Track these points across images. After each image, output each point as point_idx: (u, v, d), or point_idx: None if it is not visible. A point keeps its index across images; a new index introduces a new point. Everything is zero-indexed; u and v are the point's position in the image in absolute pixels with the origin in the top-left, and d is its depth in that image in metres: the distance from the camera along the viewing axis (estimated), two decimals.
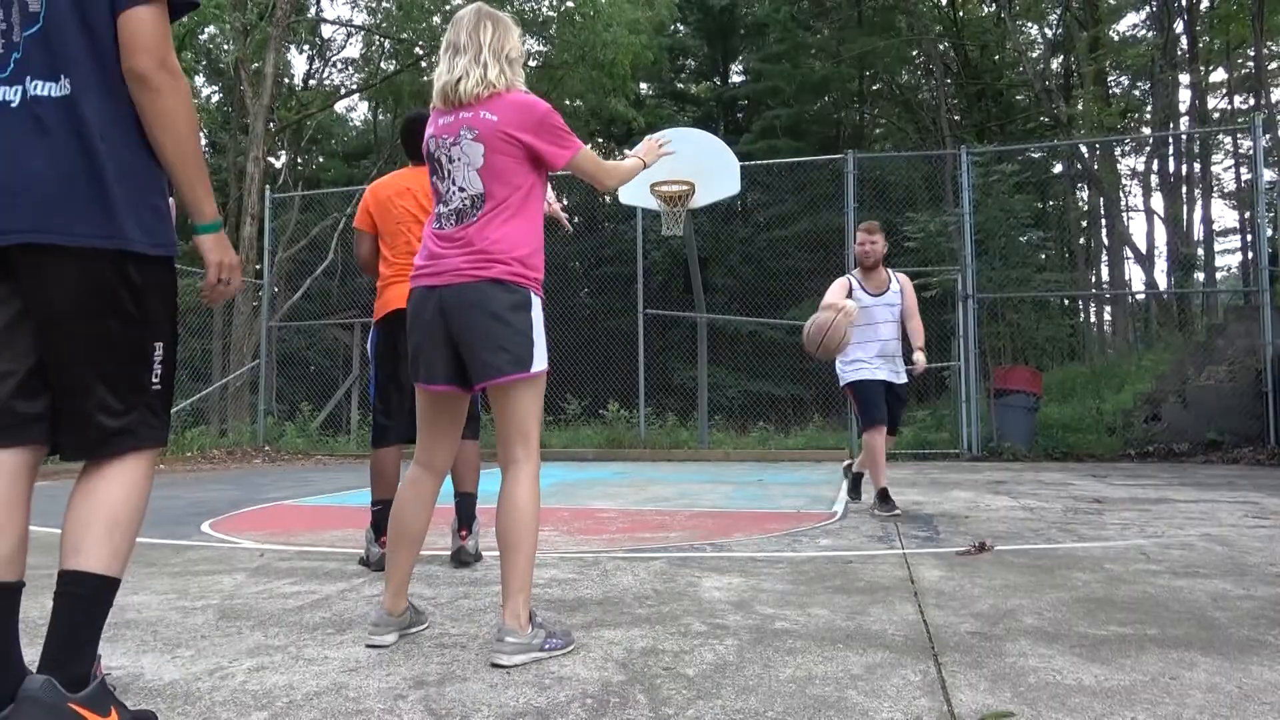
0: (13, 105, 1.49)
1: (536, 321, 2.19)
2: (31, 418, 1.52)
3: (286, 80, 21.90)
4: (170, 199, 1.66)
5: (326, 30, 22.68)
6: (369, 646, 2.14)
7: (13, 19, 1.50)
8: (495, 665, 1.99)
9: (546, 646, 2.06)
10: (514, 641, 2.01)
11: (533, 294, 2.19)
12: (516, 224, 2.18)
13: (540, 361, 2.18)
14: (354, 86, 23.47)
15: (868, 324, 4.86)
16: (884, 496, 4.65)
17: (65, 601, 1.48)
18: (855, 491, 5.26)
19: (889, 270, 5.04)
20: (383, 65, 21.67)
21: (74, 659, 1.45)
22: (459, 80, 2.19)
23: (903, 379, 4.98)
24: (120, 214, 1.51)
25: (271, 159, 19.11)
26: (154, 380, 1.59)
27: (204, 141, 26.07)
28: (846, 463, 5.75)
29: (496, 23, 2.27)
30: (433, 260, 2.17)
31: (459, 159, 2.18)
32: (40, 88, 1.49)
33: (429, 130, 2.27)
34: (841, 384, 4.99)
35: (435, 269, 2.16)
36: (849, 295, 4.84)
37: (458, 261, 2.13)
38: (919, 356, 4.90)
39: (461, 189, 2.18)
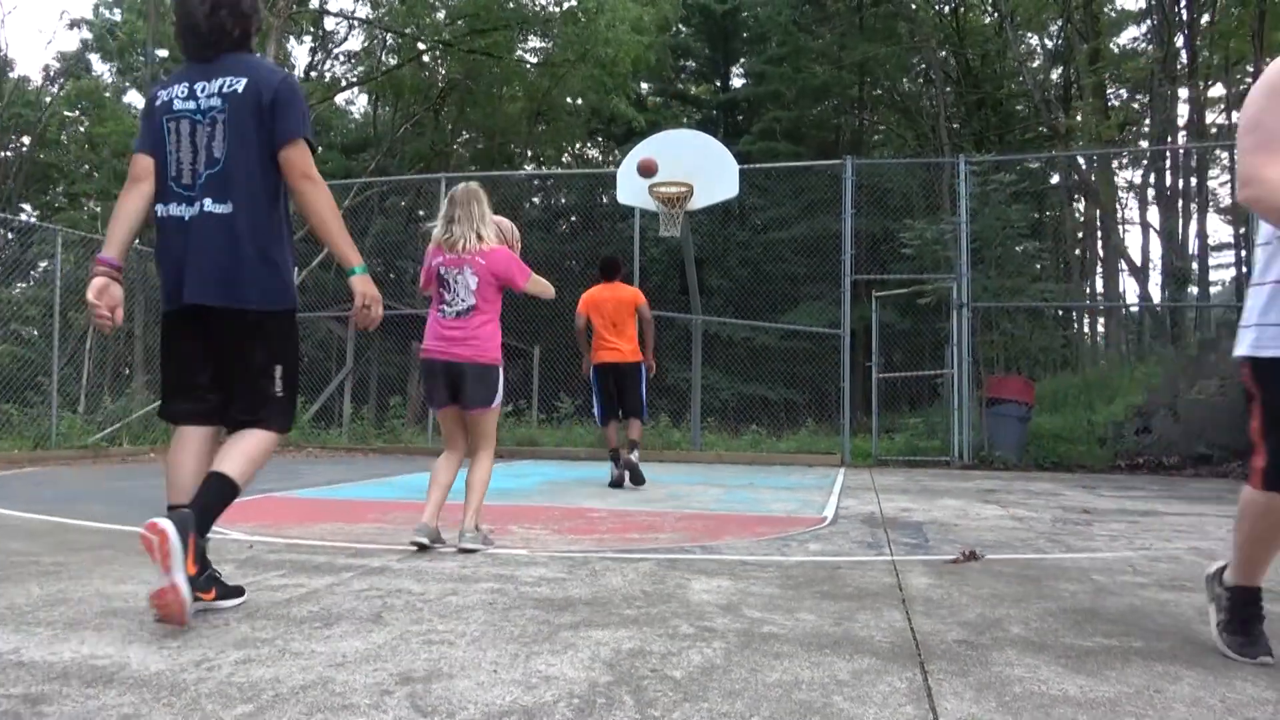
0: (196, 216, 2.39)
1: (501, 381, 3.66)
2: (215, 409, 2.46)
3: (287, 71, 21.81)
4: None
5: (329, 22, 22.62)
6: (411, 541, 3.41)
7: (199, 161, 2.41)
8: (463, 550, 3.43)
9: (487, 539, 3.59)
10: (470, 536, 3.48)
11: (500, 367, 3.65)
12: (493, 326, 3.64)
13: (499, 401, 3.67)
14: (355, 79, 23.42)
15: None
16: (1243, 607, 2.18)
17: (212, 483, 2.35)
18: (1239, 631, 2.17)
19: None
20: (384, 59, 21.61)
21: (203, 522, 2.32)
22: (459, 242, 3.59)
23: None
24: (261, 287, 2.40)
25: None
26: (276, 389, 2.47)
27: None
28: (1212, 569, 2.39)
29: (481, 200, 3.66)
30: (444, 341, 3.59)
31: (460, 281, 3.58)
32: (213, 206, 2.39)
33: (438, 259, 3.63)
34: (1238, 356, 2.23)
35: (447, 349, 3.57)
36: None
37: (463, 350, 3.56)
38: None
39: (463, 299, 3.58)
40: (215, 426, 2.45)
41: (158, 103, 2.47)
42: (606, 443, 6.71)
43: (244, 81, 2.43)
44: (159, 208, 2.43)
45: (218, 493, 2.34)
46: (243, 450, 2.39)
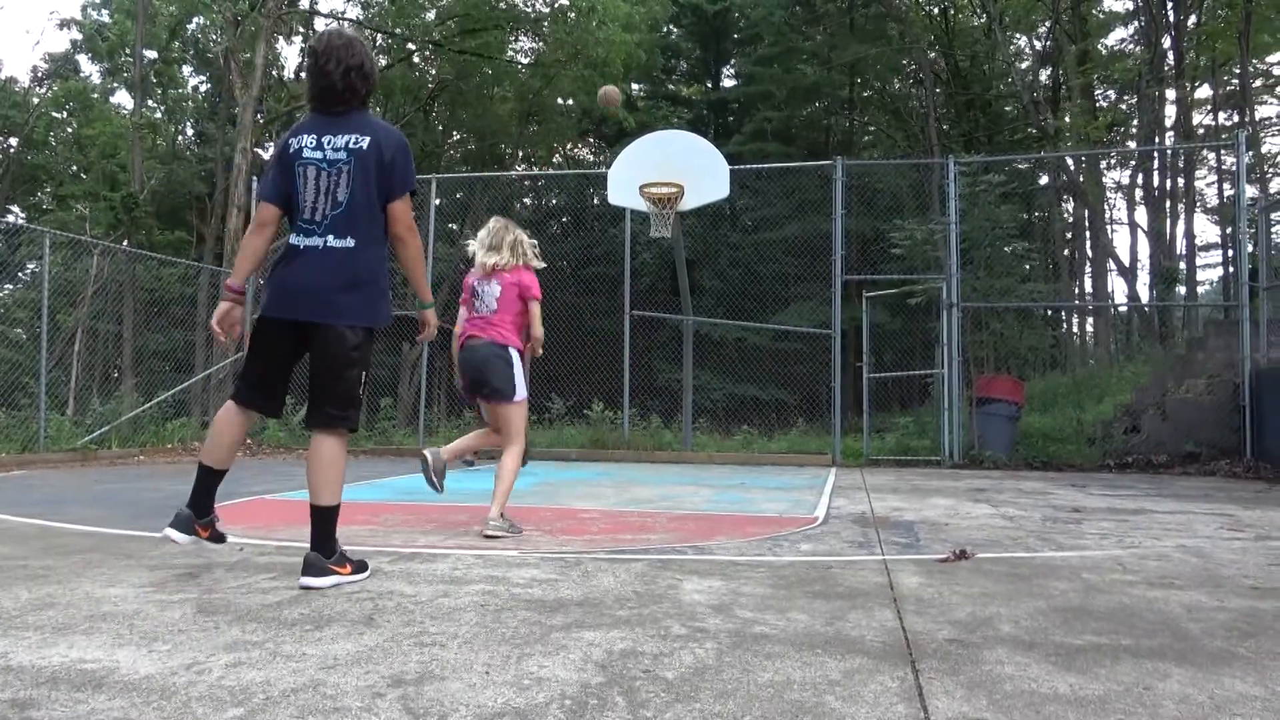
0: (318, 248, 2.85)
1: (520, 374, 4.16)
2: (269, 402, 3.03)
3: (276, 72, 21.76)
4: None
5: (319, 23, 22.53)
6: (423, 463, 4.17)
7: (322, 203, 2.87)
8: (487, 537, 3.80)
9: (514, 528, 3.93)
10: (495, 524, 3.85)
11: (515, 354, 4.16)
12: (512, 325, 4.19)
13: (521, 396, 4.15)
14: None
15: None
16: None
17: (317, 516, 2.87)
18: None
19: None
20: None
21: (324, 545, 2.87)
22: (494, 263, 4.20)
23: None
24: (366, 308, 2.89)
25: (259, 150, 18.97)
26: (360, 393, 2.94)
27: (190, 131, 25.91)
28: None
29: (514, 233, 4.30)
30: (469, 334, 4.19)
31: (488, 291, 4.19)
32: (334, 241, 2.85)
33: (472, 277, 4.27)
34: None
35: (470, 334, 4.18)
36: None
37: (482, 334, 4.15)
38: None
39: (488, 305, 4.18)
40: (257, 413, 3.03)
41: (290, 150, 2.91)
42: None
43: (368, 140, 2.89)
44: (291, 237, 2.92)
45: (327, 520, 2.88)
46: (324, 472, 2.88)
